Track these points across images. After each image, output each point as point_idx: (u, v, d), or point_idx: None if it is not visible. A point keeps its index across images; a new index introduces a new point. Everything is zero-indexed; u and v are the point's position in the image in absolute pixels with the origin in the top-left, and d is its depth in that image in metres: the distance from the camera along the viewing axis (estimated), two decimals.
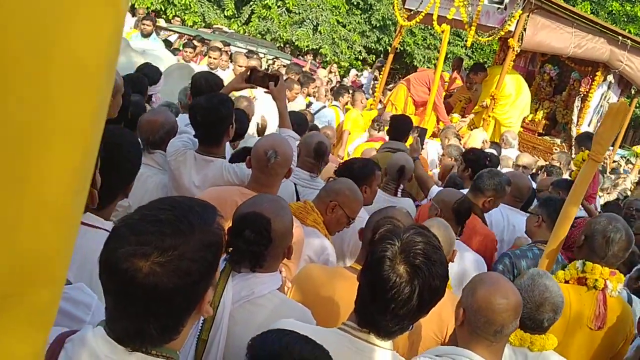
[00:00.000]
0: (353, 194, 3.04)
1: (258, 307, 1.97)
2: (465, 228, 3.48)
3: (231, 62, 8.26)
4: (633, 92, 10.61)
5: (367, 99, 9.48)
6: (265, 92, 3.48)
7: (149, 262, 1.14)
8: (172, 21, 16.49)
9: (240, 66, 7.07)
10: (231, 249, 1.96)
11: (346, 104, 8.25)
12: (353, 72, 17.20)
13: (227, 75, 7.27)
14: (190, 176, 3.15)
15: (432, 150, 7.43)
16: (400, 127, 5.42)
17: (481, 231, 3.69)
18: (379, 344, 1.62)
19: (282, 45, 22.07)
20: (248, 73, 3.44)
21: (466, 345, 1.94)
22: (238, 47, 13.28)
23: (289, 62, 12.58)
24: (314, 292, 2.36)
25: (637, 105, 12.22)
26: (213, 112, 3.09)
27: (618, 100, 6.12)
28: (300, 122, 4.97)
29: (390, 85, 11.39)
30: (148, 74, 5.03)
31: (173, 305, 1.19)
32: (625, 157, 14.17)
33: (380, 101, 10.27)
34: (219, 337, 1.92)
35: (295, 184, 3.52)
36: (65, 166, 0.58)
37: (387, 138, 5.75)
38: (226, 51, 9.03)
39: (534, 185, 5.37)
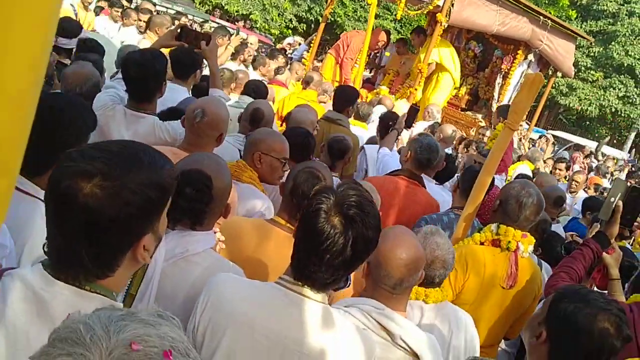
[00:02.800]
0: (270, 135, 3.09)
1: (192, 264, 1.99)
2: (405, 198, 3.69)
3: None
4: (550, 72, 11.11)
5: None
6: (196, 50, 3.44)
7: (91, 184, 1.17)
8: None
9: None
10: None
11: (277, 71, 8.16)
12: (288, 39, 17.02)
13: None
14: (120, 131, 3.09)
15: None
16: (342, 98, 5.47)
17: (423, 200, 3.84)
18: (312, 297, 1.68)
19: (210, 9, 21.55)
20: (178, 30, 3.38)
21: (371, 295, 2.03)
22: (164, 6, 12.86)
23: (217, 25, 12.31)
24: (238, 249, 2.39)
25: (554, 85, 12.80)
26: (146, 67, 3.04)
27: None
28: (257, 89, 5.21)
29: (321, 57, 11.43)
30: (67, 28, 4.84)
31: (108, 234, 1.21)
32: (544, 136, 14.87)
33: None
34: (148, 293, 1.92)
35: (240, 150, 3.54)
36: (26, 54, 0.59)
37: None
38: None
39: None
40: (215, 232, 2.18)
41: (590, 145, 20.45)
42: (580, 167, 11.34)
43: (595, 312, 1.80)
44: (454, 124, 9.72)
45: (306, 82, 6.97)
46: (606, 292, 2.95)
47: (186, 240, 1.99)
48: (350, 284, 1.78)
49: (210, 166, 2.07)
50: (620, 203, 2.76)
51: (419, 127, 7.35)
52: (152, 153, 1.30)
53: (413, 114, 5.75)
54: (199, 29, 9.40)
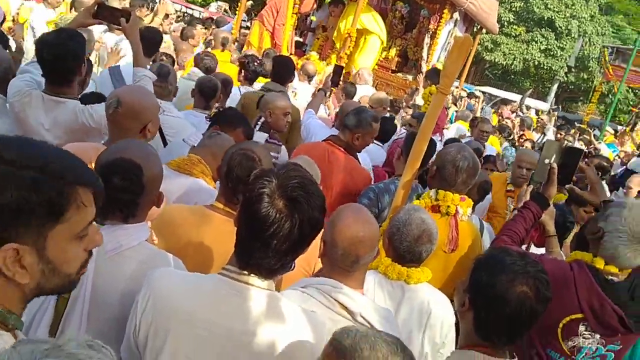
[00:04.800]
0: (220, 148, 2.89)
1: (127, 259, 1.90)
2: (331, 164, 3.64)
3: None
4: (475, 29, 11.27)
5: None
6: (116, 28, 3.26)
7: None
8: None
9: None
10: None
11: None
12: (214, 5, 16.48)
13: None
14: (38, 118, 2.90)
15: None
16: (281, 70, 5.39)
17: (345, 166, 3.80)
18: (259, 285, 1.63)
19: None
20: (95, 8, 3.18)
21: (328, 274, 2.02)
22: None
23: None
24: (177, 237, 2.30)
25: (479, 42, 13.03)
26: (61, 48, 2.84)
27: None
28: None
29: (248, 23, 11.17)
30: None
31: None
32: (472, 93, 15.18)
33: (236, 40, 10.04)
34: (83, 293, 1.83)
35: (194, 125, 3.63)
36: None
37: None
38: None
39: None
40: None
41: (516, 98, 21.07)
42: (510, 120, 11.65)
43: (512, 278, 1.81)
44: (385, 87, 9.79)
45: (222, 44, 7.21)
46: (544, 248, 3.03)
47: (118, 234, 1.89)
48: (294, 267, 1.73)
49: (138, 153, 1.95)
50: (555, 165, 2.81)
51: (360, 92, 7.32)
52: (39, 150, 1.16)
53: (338, 72, 5.73)
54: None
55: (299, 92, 6.67)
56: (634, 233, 2.30)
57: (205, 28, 9.06)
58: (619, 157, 11.04)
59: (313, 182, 1.65)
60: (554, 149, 2.85)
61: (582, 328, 2.40)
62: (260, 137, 4.02)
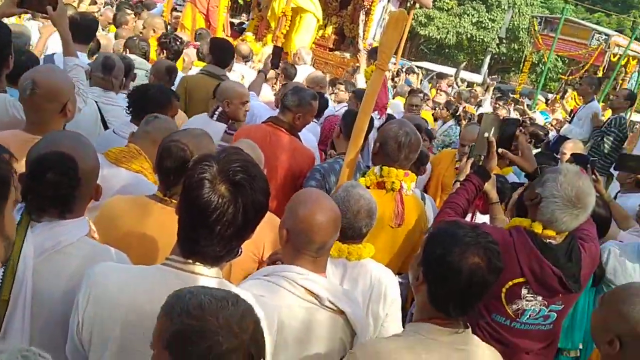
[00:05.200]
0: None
1: (67, 256, 1.82)
2: (274, 146, 3.61)
3: None
4: (409, 4, 11.35)
5: None
6: (42, 17, 3.11)
7: None
8: None
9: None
10: (29, 196, 1.75)
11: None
12: None
13: None
14: None
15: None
16: (219, 53, 5.24)
17: (288, 146, 3.77)
18: (206, 273, 1.60)
19: None
20: None
21: (292, 262, 2.02)
22: None
23: None
24: (117, 230, 2.24)
25: (413, 17, 13.16)
26: None
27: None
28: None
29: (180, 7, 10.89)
30: None
31: None
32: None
33: (168, 24, 9.77)
34: (23, 294, 1.75)
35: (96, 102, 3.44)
36: None
37: None
38: None
39: None
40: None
41: (452, 72, 21.39)
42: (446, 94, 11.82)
43: (464, 249, 1.83)
44: (323, 65, 9.77)
45: (153, 30, 6.87)
46: (489, 215, 3.11)
47: (56, 232, 1.81)
48: (241, 252, 1.70)
49: (72, 146, 1.87)
50: (493, 138, 2.86)
51: (300, 72, 7.27)
52: None
53: (278, 53, 5.68)
54: None
55: (246, 76, 6.56)
56: (569, 198, 2.37)
57: (135, 14, 8.75)
58: (552, 125, 11.40)
59: (255, 164, 1.63)
60: (491, 122, 2.90)
61: (524, 291, 2.48)
62: (218, 128, 3.87)
